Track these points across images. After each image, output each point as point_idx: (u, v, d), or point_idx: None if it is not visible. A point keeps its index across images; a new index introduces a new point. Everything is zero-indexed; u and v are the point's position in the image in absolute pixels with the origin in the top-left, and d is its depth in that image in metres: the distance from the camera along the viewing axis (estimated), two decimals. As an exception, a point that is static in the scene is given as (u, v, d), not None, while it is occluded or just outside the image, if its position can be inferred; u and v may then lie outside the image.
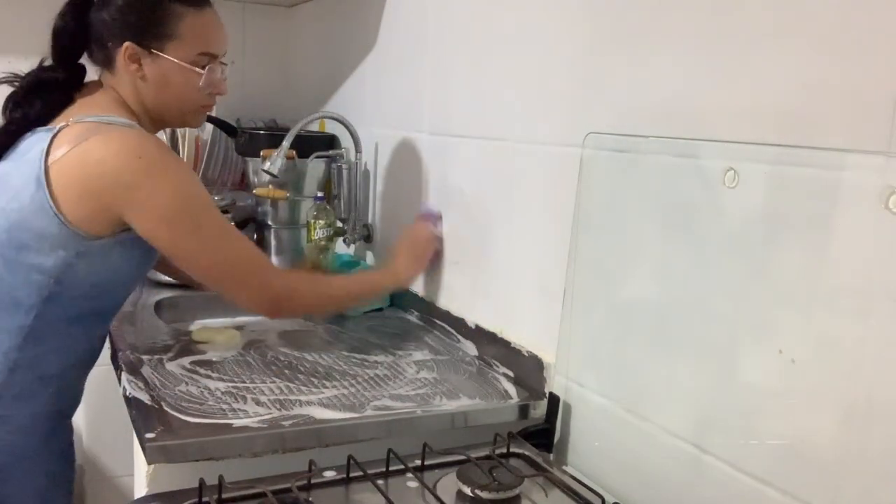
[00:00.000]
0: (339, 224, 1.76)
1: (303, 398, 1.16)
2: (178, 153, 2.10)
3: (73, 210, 1.14)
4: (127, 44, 1.21)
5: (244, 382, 1.22)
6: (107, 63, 1.25)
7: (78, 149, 1.14)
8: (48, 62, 1.26)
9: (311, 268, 1.67)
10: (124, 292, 1.31)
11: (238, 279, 1.24)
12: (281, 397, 1.16)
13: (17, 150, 1.20)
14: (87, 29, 1.24)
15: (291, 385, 1.21)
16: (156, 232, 1.18)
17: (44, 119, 1.21)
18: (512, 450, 1.07)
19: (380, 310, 1.66)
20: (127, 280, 1.29)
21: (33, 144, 1.18)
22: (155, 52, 1.22)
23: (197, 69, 1.25)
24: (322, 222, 1.71)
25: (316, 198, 1.75)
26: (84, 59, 1.28)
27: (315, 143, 1.92)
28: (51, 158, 1.14)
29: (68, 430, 1.35)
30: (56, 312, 1.20)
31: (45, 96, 1.22)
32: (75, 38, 1.24)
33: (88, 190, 1.14)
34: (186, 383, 1.20)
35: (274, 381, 1.23)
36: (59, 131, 1.17)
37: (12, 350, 1.19)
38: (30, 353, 1.20)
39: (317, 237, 1.71)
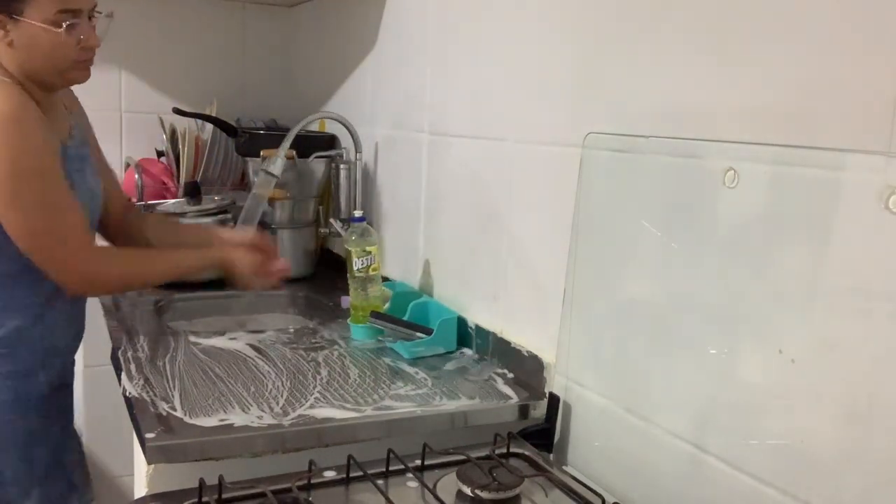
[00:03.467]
0: (374, 247, 1.50)
1: (304, 398, 1.16)
2: (179, 152, 2.10)
3: None
4: None
5: (245, 382, 1.22)
6: None
7: None
8: None
9: (369, 310, 1.47)
10: None
11: (56, 251, 1.25)
12: (282, 397, 1.16)
13: None
14: None
15: (292, 385, 1.21)
16: None
17: None
18: (512, 450, 1.07)
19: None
20: None
21: None
22: (15, 17, 1.23)
23: (56, 29, 1.24)
24: (359, 249, 1.48)
25: (353, 219, 1.55)
26: None
27: (315, 143, 1.92)
28: None
29: (48, 389, 1.36)
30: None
31: None
32: None
33: None
34: (187, 383, 1.20)
35: (274, 382, 1.23)
36: None
37: None
38: None
39: (356, 269, 1.48)
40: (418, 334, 1.39)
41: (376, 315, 1.43)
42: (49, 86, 1.30)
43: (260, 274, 1.41)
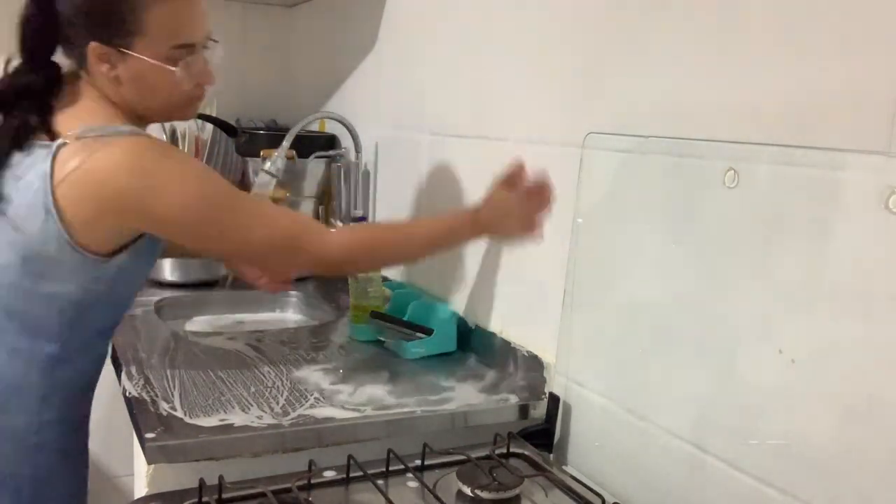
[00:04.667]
0: None
1: (304, 398, 1.16)
2: (179, 153, 2.09)
3: (86, 233, 1.06)
4: (93, 44, 1.08)
5: (245, 382, 1.22)
6: (80, 61, 1.12)
7: (86, 166, 1.04)
8: (15, 62, 1.12)
9: (369, 310, 1.46)
10: (135, 296, 1.25)
11: (288, 252, 1.16)
12: (282, 397, 1.16)
13: (8, 171, 1.08)
14: (56, 21, 1.09)
15: (292, 385, 1.21)
16: (178, 225, 1.09)
17: (23, 132, 1.09)
18: (512, 450, 1.07)
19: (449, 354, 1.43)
20: (141, 282, 1.23)
21: (30, 166, 1.07)
22: (123, 50, 1.09)
23: (170, 67, 1.11)
24: None
25: (355, 218, 1.55)
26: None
27: (315, 143, 1.93)
28: (55, 180, 1.04)
29: (86, 435, 1.28)
30: (81, 335, 1.15)
31: (22, 105, 1.09)
32: (44, 32, 1.11)
33: (102, 208, 1.05)
34: (187, 383, 1.20)
35: (274, 382, 1.23)
36: (58, 149, 1.05)
37: (44, 378, 1.12)
38: (60, 376, 1.14)
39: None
40: (418, 334, 1.39)
41: (376, 315, 1.43)
42: (154, 121, 1.21)
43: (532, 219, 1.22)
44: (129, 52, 1.09)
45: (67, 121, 1.09)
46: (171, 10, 1.10)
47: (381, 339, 1.43)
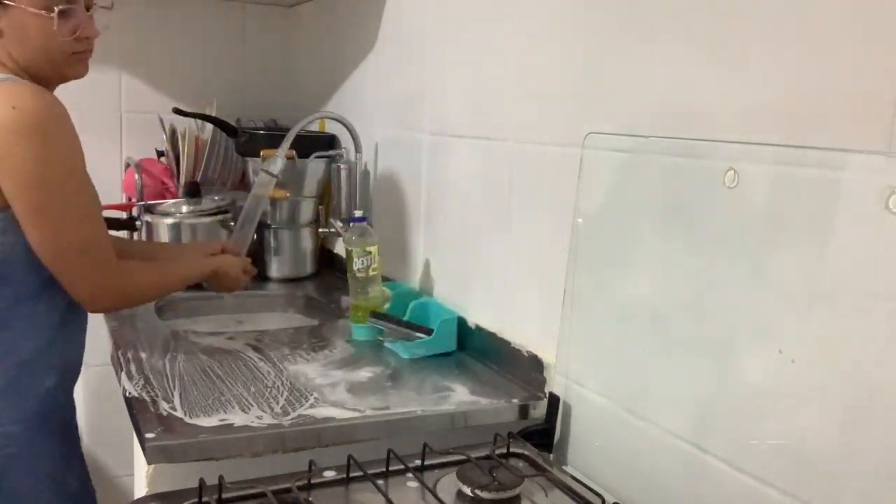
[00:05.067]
0: (374, 247, 1.50)
1: (304, 398, 1.16)
2: (179, 152, 2.10)
3: None
4: None
5: (245, 382, 1.22)
6: None
7: None
8: None
9: (369, 310, 1.46)
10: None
11: (85, 266, 1.19)
12: (282, 397, 1.16)
13: None
14: None
15: (292, 385, 1.21)
16: (16, 195, 1.12)
17: None
18: (512, 450, 1.07)
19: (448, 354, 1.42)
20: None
21: None
22: (4, 2, 1.14)
23: (49, 13, 1.15)
24: (359, 249, 1.48)
25: (353, 219, 1.54)
26: None
27: (315, 143, 1.92)
28: None
29: (67, 408, 1.31)
30: (8, 292, 1.17)
31: None
32: None
33: None
34: (187, 383, 1.20)
35: (274, 382, 1.23)
36: None
37: None
38: (1, 339, 1.17)
39: (356, 268, 1.48)
40: (418, 334, 1.39)
41: (376, 315, 1.43)
42: (45, 81, 1.21)
43: (246, 271, 1.50)
44: (10, 3, 1.14)
45: None
46: None
47: (381, 339, 1.43)
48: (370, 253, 1.48)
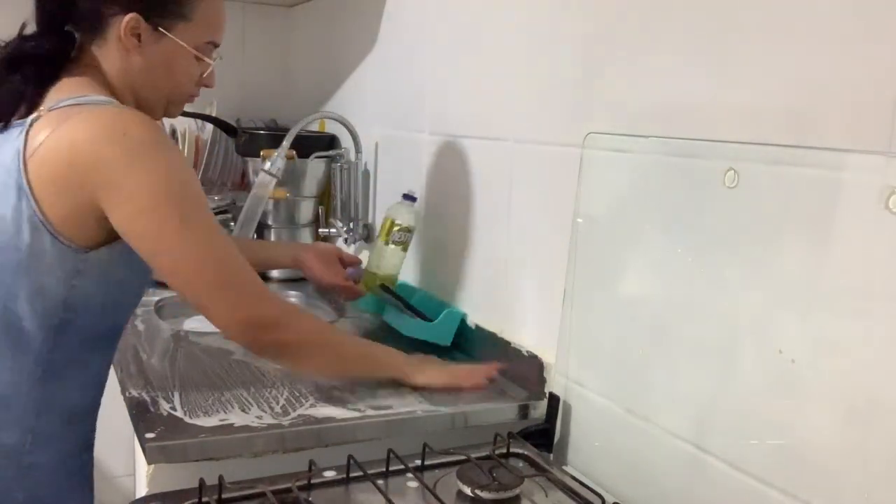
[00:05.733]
0: (413, 229, 1.50)
1: (304, 398, 1.16)
2: (179, 153, 2.10)
3: (58, 214, 0.98)
4: (131, 15, 1.05)
5: (245, 382, 1.22)
6: (95, 31, 1.08)
7: (53, 136, 0.97)
8: (31, 29, 1.09)
9: (380, 281, 1.44)
10: (136, 303, 1.16)
11: (221, 288, 1.04)
12: (282, 397, 1.16)
13: None
14: None
15: (292, 385, 1.21)
16: (133, 224, 0.99)
17: (21, 102, 1.03)
18: (512, 450, 1.07)
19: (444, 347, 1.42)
20: (138, 291, 1.14)
21: (5, 142, 1.01)
22: (162, 30, 1.08)
23: (205, 58, 1.13)
24: (402, 224, 1.47)
25: (407, 195, 1.52)
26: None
27: (315, 143, 1.92)
28: (27, 155, 0.98)
29: (91, 461, 1.21)
30: (69, 344, 1.05)
31: (26, 72, 1.04)
32: None
33: (68, 184, 0.97)
34: (187, 383, 1.20)
35: (274, 382, 1.23)
36: (31, 123, 1.00)
37: (34, 390, 1.04)
38: (52, 390, 1.06)
39: (391, 237, 1.47)
40: (419, 320, 1.40)
41: (385, 288, 1.44)
42: (145, 110, 1.10)
43: (476, 376, 1.24)
44: (168, 34, 1.08)
45: (53, 94, 1.03)
46: (217, 7, 1.13)
47: (383, 315, 1.43)
48: (407, 230, 1.50)
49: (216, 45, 1.15)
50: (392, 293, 1.44)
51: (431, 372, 1.21)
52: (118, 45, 1.07)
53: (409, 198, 1.53)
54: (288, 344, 1.10)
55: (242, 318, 1.05)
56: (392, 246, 1.49)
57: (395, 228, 1.49)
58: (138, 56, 1.08)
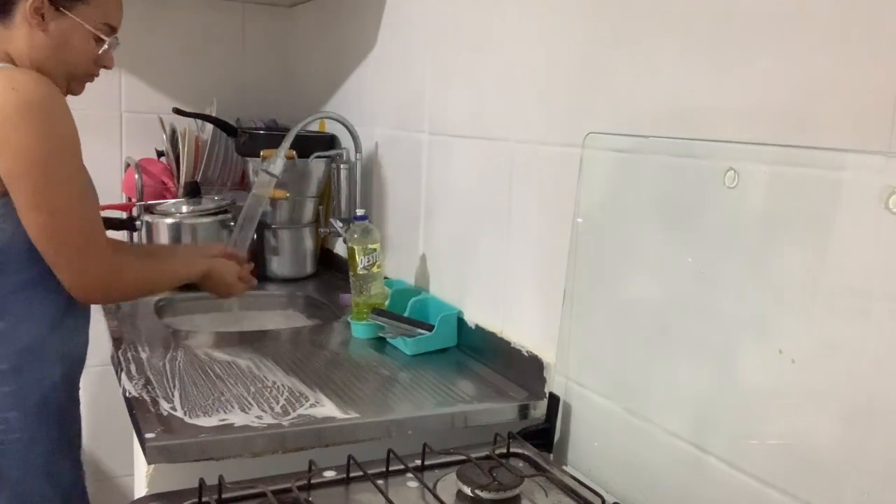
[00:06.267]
0: (377, 245, 1.53)
1: (304, 398, 1.16)
2: (179, 152, 2.10)
3: None
4: None
5: (245, 382, 1.22)
6: (3, 12, 1.22)
7: None
8: None
9: (370, 307, 1.47)
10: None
11: (76, 254, 1.19)
12: (282, 397, 1.16)
13: None
14: None
15: (292, 385, 1.21)
16: (15, 177, 1.14)
17: None
18: (512, 450, 1.07)
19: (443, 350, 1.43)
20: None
21: None
22: (63, 10, 1.22)
23: (102, 36, 1.25)
24: (362, 247, 1.49)
25: (355, 217, 1.58)
26: None
27: (315, 143, 1.92)
28: None
29: (68, 402, 1.31)
30: (6, 281, 1.18)
31: None
32: None
33: None
34: (187, 383, 1.20)
35: (274, 382, 1.23)
36: None
37: None
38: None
39: (360, 266, 1.50)
40: (419, 330, 1.39)
41: (378, 311, 1.44)
42: None
43: (242, 279, 1.48)
44: (68, 14, 1.22)
45: None
46: None
47: (382, 335, 1.43)
48: (374, 250, 1.49)
49: (112, 28, 1.28)
50: (385, 314, 1.44)
51: (219, 280, 1.44)
52: (23, 24, 1.21)
53: (360, 219, 1.54)
54: (119, 296, 1.42)
55: (87, 283, 1.22)
56: (366, 272, 1.49)
57: (362, 254, 1.49)
58: (41, 33, 1.22)
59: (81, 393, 1.36)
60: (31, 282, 1.21)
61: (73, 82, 1.28)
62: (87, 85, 1.33)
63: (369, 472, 0.95)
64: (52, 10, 1.21)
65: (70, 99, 1.23)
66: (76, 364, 1.33)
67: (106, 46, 1.27)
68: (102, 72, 1.32)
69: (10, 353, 1.20)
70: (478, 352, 1.39)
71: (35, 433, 1.23)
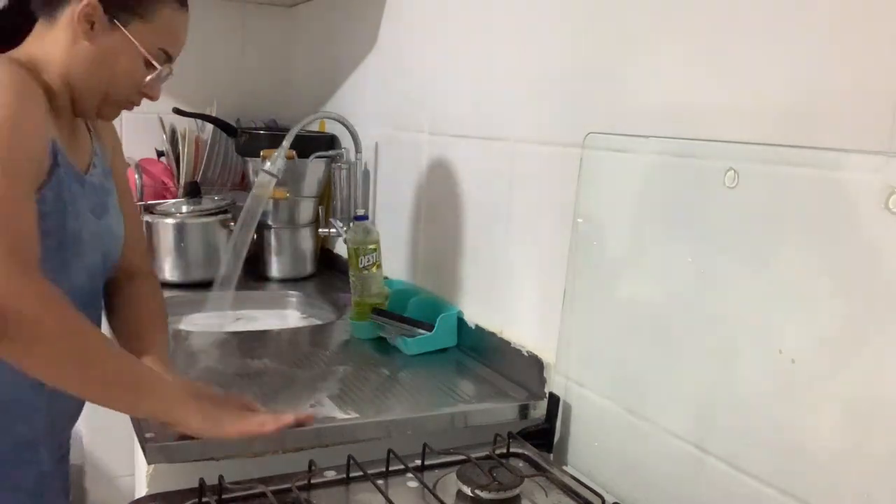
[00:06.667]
0: (376, 244, 1.50)
1: (304, 398, 1.16)
2: (179, 152, 2.10)
3: None
4: (91, 0, 1.04)
5: (245, 382, 1.22)
6: (48, 8, 1.06)
7: None
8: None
9: (370, 307, 1.43)
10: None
11: None
12: (283, 397, 1.16)
13: None
14: None
15: (292, 385, 1.21)
16: None
17: None
18: (512, 450, 1.07)
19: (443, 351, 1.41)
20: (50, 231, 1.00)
21: None
22: (118, 23, 1.06)
23: (154, 63, 1.10)
24: (362, 247, 1.49)
25: (355, 217, 1.56)
26: None
27: (315, 143, 1.93)
28: None
29: (43, 463, 1.11)
30: None
31: None
32: None
33: None
34: (186, 383, 1.20)
35: (275, 382, 1.23)
36: None
37: None
38: None
39: (361, 266, 1.49)
40: (420, 330, 1.39)
41: (378, 311, 1.44)
42: (80, 107, 1.10)
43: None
44: (122, 29, 1.06)
45: None
46: (178, 17, 1.13)
47: (382, 335, 1.44)
48: (374, 250, 1.49)
49: (168, 56, 1.13)
50: (385, 314, 1.44)
51: (216, 415, 1.00)
52: (68, 28, 1.05)
53: (360, 219, 1.53)
54: (23, 341, 0.85)
55: None
56: (367, 271, 1.49)
57: (363, 254, 1.49)
58: (86, 43, 1.06)
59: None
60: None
61: (107, 106, 1.12)
62: None
63: (369, 472, 0.95)
64: (104, 21, 1.05)
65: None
66: (66, 420, 1.15)
67: (155, 75, 1.11)
68: None
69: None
70: (478, 352, 1.39)
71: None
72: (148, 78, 1.11)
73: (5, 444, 1.06)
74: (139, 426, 1.04)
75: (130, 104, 1.15)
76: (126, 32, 1.07)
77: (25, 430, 1.08)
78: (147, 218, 1.88)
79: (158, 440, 1.00)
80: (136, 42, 1.07)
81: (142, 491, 1.09)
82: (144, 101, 1.17)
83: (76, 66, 1.07)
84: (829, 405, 0.76)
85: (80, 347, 0.90)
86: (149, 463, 1.02)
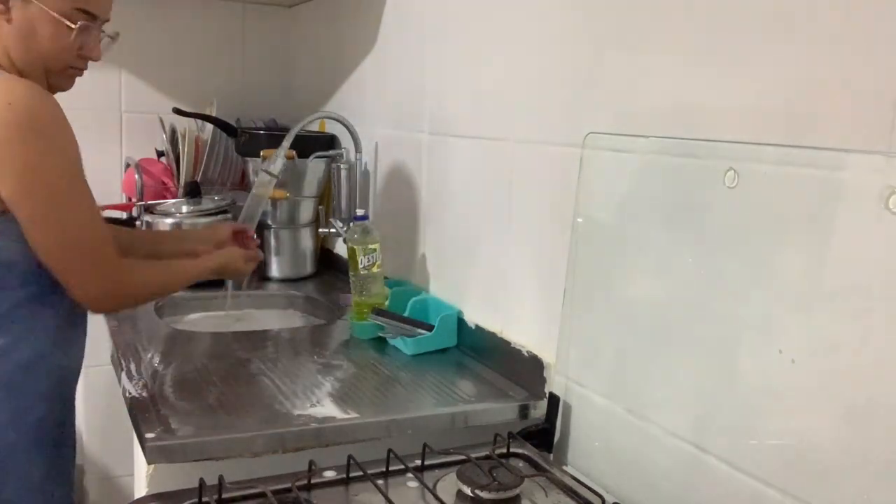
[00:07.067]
0: (377, 245, 1.52)
1: (304, 398, 1.16)
2: (179, 152, 2.10)
3: None
4: None
5: (245, 382, 1.22)
6: None
7: None
8: None
9: (370, 307, 1.47)
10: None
11: (84, 267, 1.13)
12: (283, 397, 1.16)
13: None
14: None
15: (293, 385, 1.21)
16: (18, 198, 1.08)
17: None
18: (512, 450, 1.07)
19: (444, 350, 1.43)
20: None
21: None
22: None
23: (68, 23, 1.13)
24: (362, 247, 1.50)
25: (355, 217, 1.57)
26: None
27: (315, 143, 1.93)
28: None
29: (63, 416, 1.25)
30: (7, 296, 1.12)
31: None
32: None
33: None
34: (187, 383, 1.20)
35: (275, 382, 1.23)
36: None
37: None
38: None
39: (361, 266, 1.50)
40: (420, 330, 1.39)
41: (378, 311, 1.44)
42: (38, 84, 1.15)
43: (250, 259, 1.42)
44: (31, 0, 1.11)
45: None
46: None
47: (382, 335, 1.44)
48: (373, 250, 1.49)
49: (89, 14, 1.16)
50: (385, 314, 1.44)
51: (234, 267, 1.40)
52: None
53: (360, 219, 1.54)
54: (131, 303, 1.33)
55: (100, 294, 1.16)
56: (367, 271, 1.49)
57: (362, 254, 1.49)
58: (5, 22, 1.12)
59: (82, 393, 1.36)
60: (33, 297, 1.15)
61: (54, 77, 1.18)
62: (88, 84, 1.29)
63: (369, 472, 0.95)
64: None
65: (70, 99, 1.20)
66: (72, 377, 1.27)
67: (79, 34, 1.15)
68: (103, 71, 1.25)
69: (8, 368, 1.14)
70: (478, 352, 1.39)
71: (33, 454, 1.18)
72: (73, 38, 1.15)
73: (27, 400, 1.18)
74: (139, 426, 1.05)
75: (76, 70, 1.20)
76: (37, 2, 1.12)
77: (47, 385, 1.20)
78: (147, 218, 1.88)
79: (158, 440, 1.00)
80: (47, 9, 1.12)
81: (142, 491, 1.09)
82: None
83: (12, 49, 1.14)
84: (829, 405, 0.76)
85: (162, 288, 1.32)
86: (149, 463, 1.02)
